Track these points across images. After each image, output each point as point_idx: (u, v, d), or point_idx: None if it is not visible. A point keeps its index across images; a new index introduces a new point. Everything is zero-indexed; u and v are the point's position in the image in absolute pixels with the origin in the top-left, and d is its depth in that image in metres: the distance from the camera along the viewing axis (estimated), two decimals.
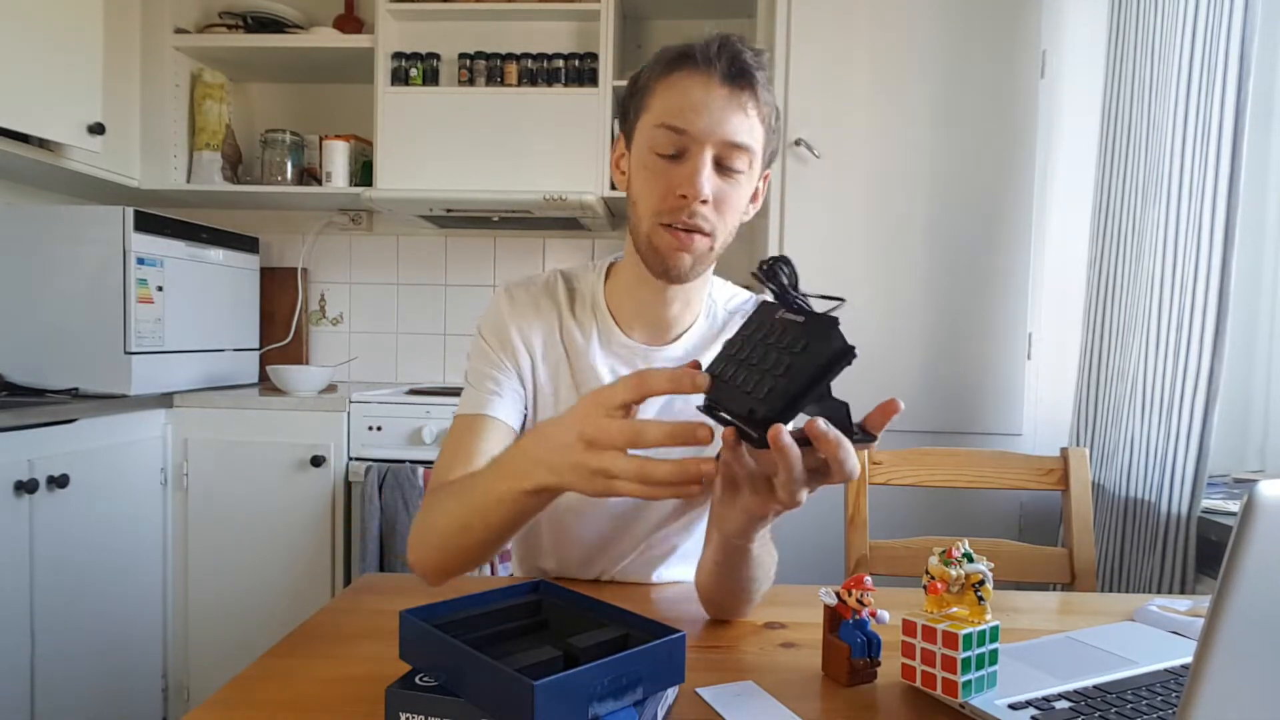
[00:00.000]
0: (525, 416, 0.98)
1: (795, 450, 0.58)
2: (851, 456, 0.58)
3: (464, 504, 0.76)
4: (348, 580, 2.13)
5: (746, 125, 0.86)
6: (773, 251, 1.94)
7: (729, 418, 0.62)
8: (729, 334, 0.95)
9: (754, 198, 0.94)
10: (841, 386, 0.60)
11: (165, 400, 2.12)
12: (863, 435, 0.61)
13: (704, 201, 0.85)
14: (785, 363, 0.59)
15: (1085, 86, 1.87)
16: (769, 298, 0.71)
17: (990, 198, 1.89)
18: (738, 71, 0.85)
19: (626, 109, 0.93)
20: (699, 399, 0.65)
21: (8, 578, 1.64)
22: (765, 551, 0.82)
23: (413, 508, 2.04)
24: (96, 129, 2.04)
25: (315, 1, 2.57)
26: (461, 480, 0.79)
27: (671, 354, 0.98)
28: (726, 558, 0.78)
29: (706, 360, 0.94)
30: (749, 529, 0.70)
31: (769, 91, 0.88)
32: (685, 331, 0.99)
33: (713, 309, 1.02)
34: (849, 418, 0.60)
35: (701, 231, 0.87)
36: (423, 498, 0.90)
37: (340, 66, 2.55)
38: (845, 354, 0.58)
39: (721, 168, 0.86)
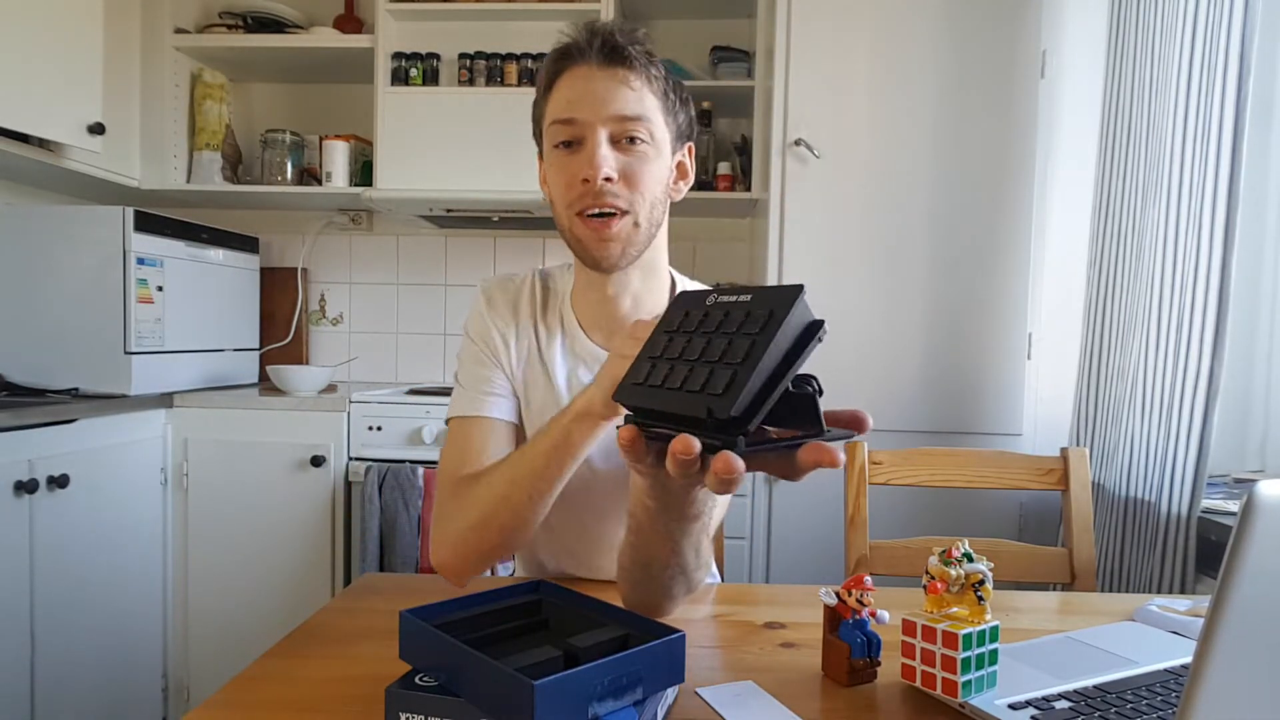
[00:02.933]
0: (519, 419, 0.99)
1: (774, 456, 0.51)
2: (840, 456, 0.49)
3: (502, 478, 0.83)
4: (348, 580, 2.13)
5: (634, 98, 0.88)
6: (773, 251, 1.94)
7: (675, 428, 0.50)
8: None
9: (682, 173, 0.96)
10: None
11: (165, 400, 2.12)
12: (841, 431, 0.52)
13: (608, 179, 0.86)
14: (743, 346, 0.48)
15: (1085, 86, 1.88)
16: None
17: (990, 198, 1.89)
18: (610, 51, 0.88)
19: (534, 125, 0.96)
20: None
21: (8, 578, 1.64)
22: (694, 548, 0.75)
23: (413, 508, 2.04)
24: (96, 129, 2.04)
25: (315, 1, 2.57)
26: (490, 468, 0.86)
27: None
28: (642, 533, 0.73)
29: None
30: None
31: (654, 66, 0.90)
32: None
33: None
34: (818, 407, 0.50)
35: (618, 210, 0.88)
36: (435, 505, 0.91)
37: (340, 66, 2.55)
38: (818, 327, 0.49)
39: (622, 145, 0.88)
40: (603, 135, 0.87)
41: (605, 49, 0.88)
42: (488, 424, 0.94)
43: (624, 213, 0.88)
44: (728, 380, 0.47)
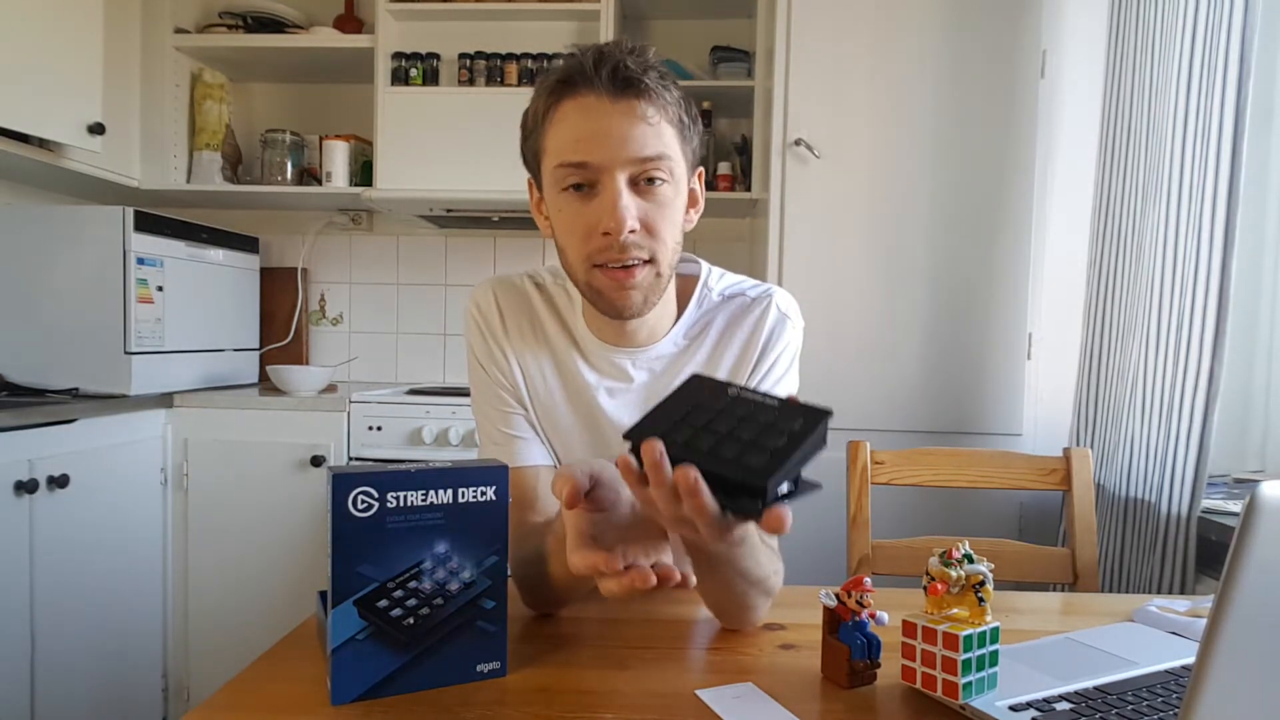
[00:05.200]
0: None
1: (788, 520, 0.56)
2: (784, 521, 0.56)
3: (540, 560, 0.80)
4: None
5: (653, 134, 0.79)
6: (773, 251, 1.94)
7: (722, 480, 0.57)
8: (720, 321, 0.94)
9: (693, 202, 0.89)
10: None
11: (165, 400, 2.12)
12: (810, 484, 0.60)
13: (632, 231, 0.79)
14: (781, 438, 0.56)
15: (1085, 86, 1.88)
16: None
17: (990, 198, 1.89)
18: (624, 81, 0.78)
19: (525, 152, 0.87)
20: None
21: (8, 578, 1.64)
22: (752, 558, 0.75)
23: None
24: (96, 129, 2.04)
25: (315, 1, 2.56)
26: (536, 541, 0.81)
27: (661, 351, 0.93)
28: (699, 565, 0.75)
29: (695, 361, 0.94)
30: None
31: (669, 89, 0.81)
32: (672, 328, 0.94)
33: (705, 295, 0.96)
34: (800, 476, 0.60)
35: (641, 262, 0.81)
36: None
37: (340, 66, 2.55)
38: (824, 445, 0.59)
39: (640, 186, 0.80)
40: (622, 180, 0.79)
41: (617, 77, 0.78)
42: (531, 472, 0.91)
43: (646, 262, 0.82)
44: (764, 459, 0.55)
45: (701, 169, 0.91)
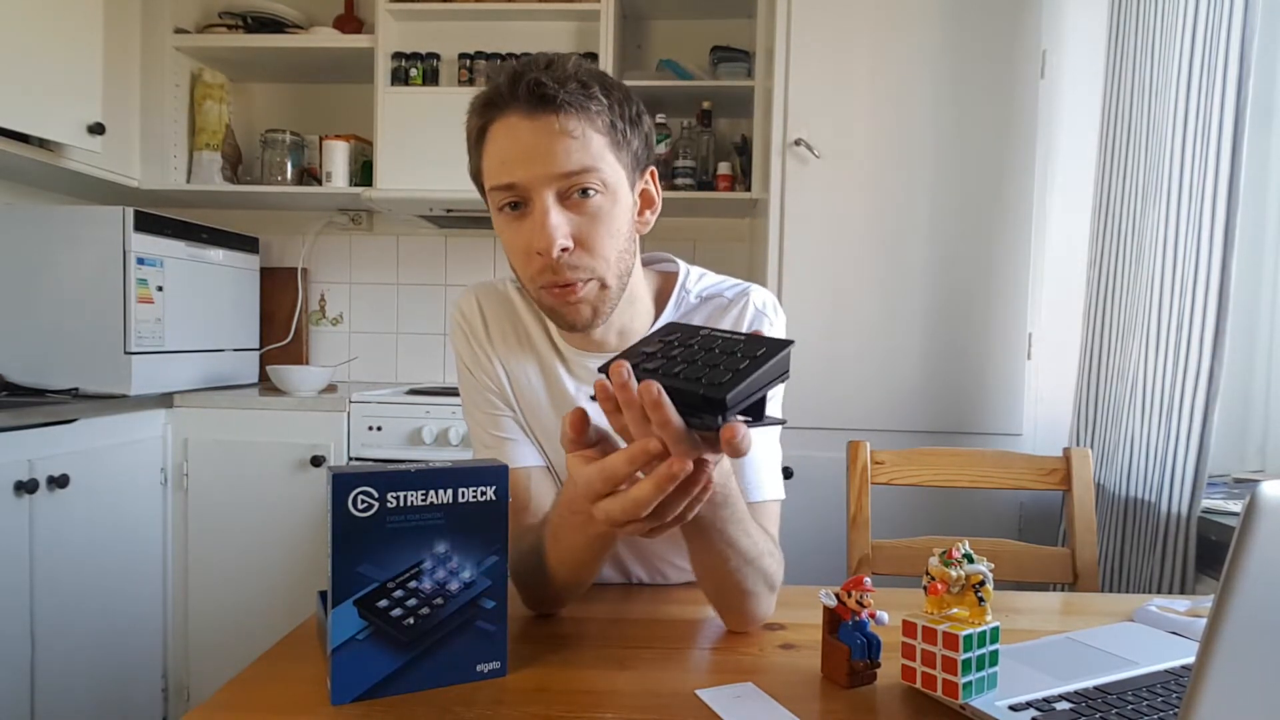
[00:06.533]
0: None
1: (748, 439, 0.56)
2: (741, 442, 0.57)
3: (540, 556, 0.80)
4: None
5: (577, 147, 0.77)
6: (773, 251, 1.94)
7: (682, 392, 0.59)
8: (698, 321, 0.93)
9: (647, 202, 0.88)
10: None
11: (165, 400, 2.12)
12: (773, 419, 0.63)
13: (565, 249, 0.78)
14: (743, 361, 0.59)
15: (1085, 86, 1.88)
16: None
17: (990, 198, 1.89)
18: (538, 98, 0.77)
19: (471, 174, 0.87)
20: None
21: (8, 578, 1.64)
22: (740, 526, 0.75)
23: None
24: (96, 129, 2.04)
25: (315, 1, 2.57)
26: (535, 538, 0.81)
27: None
28: (691, 536, 0.75)
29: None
30: None
31: (593, 99, 0.79)
32: (648, 332, 0.91)
33: (683, 298, 0.95)
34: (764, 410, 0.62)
35: (580, 280, 0.80)
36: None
37: (340, 66, 2.55)
38: (786, 374, 0.61)
39: (572, 200, 0.79)
40: (549, 198, 0.78)
41: (533, 95, 0.77)
42: (523, 473, 0.91)
43: (587, 280, 0.81)
44: (727, 378, 0.57)
45: (654, 168, 0.89)
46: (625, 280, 0.85)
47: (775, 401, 0.89)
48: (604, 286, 0.82)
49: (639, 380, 0.58)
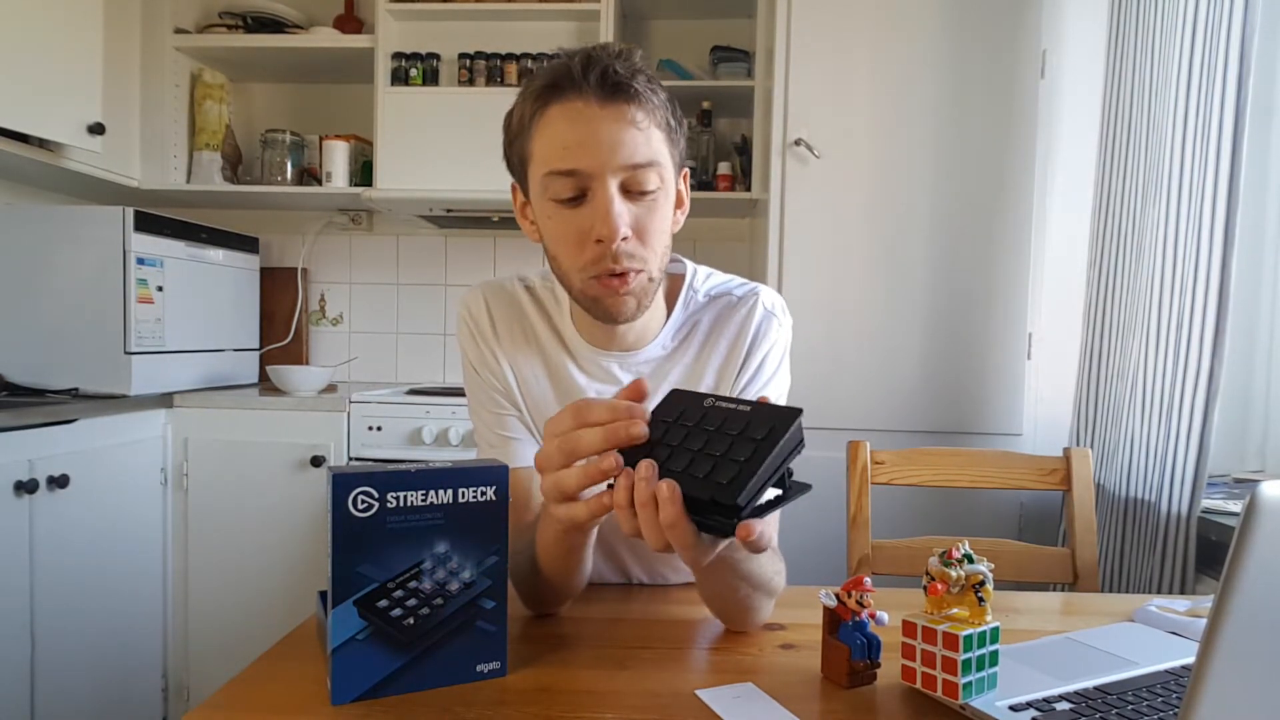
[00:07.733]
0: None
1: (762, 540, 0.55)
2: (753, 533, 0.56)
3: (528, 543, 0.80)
4: None
5: (643, 139, 0.78)
6: (773, 251, 1.94)
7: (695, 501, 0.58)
8: (706, 322, 0.94)
9: (679, 203, 0.88)
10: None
11: (165, 400, 2.12)
12: (799, 486, 0.60)
13: (625, 239, 0.78)
14: (752, 446, 0.57)
15: (1085, 86, 1.88)
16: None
17: (990, 198, 1.89)
18: (613, 86, 0.76)
19: (510, 157, 0.85)
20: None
21: (8, 578, 1.64)
22: (754, 560, 0.75)
23: None
24: (96, 129, 2.04)
25: (315, 1, 2.56)
26: (528, 538, 0.82)
27: (649, 354, 0.93)
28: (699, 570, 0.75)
29: (682, 363, 0.93)
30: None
31: (656, 93, 0.80)
32: (660, 331, 0.94)
33: (691, 297, 0.96)
34: (789, 475, 0.60)
35: (634, 270, 0.81)
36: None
37: (340, 66, 2.55)
38: (801, 445, 0.58)
39: (632, 193, 0.79)
40: (614, 187, 0.77)
41: (606, 82, 0.76)
42: (526, 473, 0.91)
43: (639, 270, 0.81)
44: (733, 474, 0.56)
45: (687, 170, 0.90)
46: (663, 277, 0.87)
47: None
48: (650, 279, 0.83)
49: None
